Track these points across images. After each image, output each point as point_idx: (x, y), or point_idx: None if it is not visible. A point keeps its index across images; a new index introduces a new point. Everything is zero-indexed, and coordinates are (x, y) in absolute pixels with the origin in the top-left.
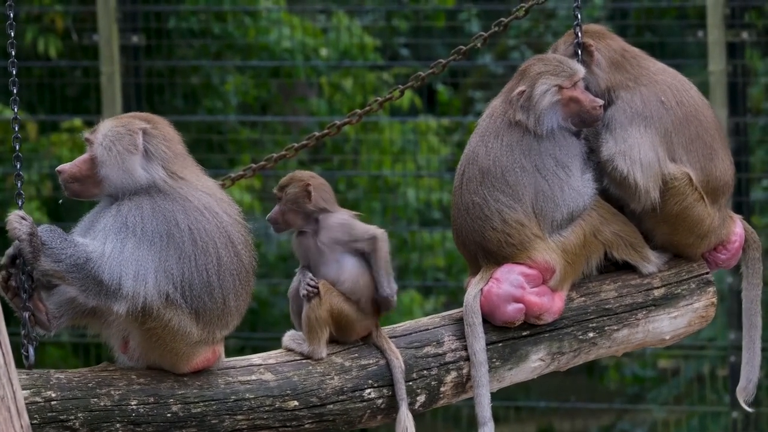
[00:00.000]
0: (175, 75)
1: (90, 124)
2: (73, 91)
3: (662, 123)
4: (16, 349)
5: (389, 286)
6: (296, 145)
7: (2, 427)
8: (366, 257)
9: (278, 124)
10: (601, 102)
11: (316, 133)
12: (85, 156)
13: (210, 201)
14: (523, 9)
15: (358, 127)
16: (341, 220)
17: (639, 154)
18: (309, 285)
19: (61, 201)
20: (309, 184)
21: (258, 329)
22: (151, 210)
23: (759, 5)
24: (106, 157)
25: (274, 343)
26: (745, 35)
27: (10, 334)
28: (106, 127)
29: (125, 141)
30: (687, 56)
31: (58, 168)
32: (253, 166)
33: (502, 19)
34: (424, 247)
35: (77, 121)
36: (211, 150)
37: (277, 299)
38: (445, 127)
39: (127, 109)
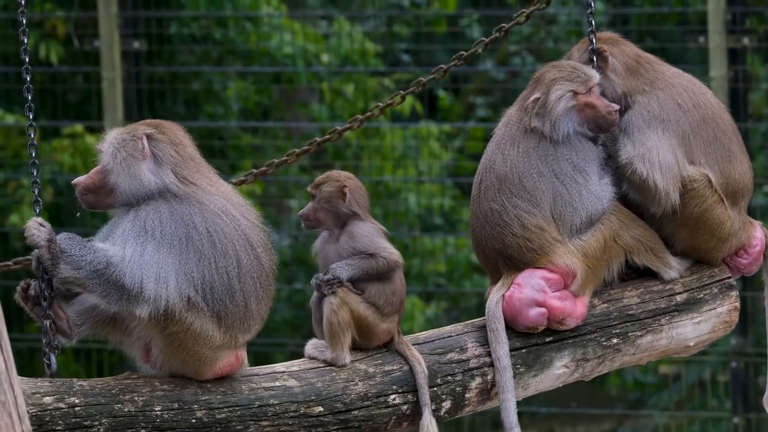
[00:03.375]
0: (177, 81)
1: (91, 130)
2: (75, 97)
3: (680, 126)
4: (16, 354)
5: (340, 267)
6: (297, 150)
7: None
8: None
9: (279, 129)
10: (616, 107)
11: (318, 139)
12: (97, 167)
13: (226, 205)
14: (524, 15)
15: (360, 133)
16: (367, 232)
17: (658, 156)
18: (326, 279)
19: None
20: (345, 186)
21: (259, 335)
22: (169, 213)
23: (760, 11)
24: (112, 165)
25: (276, 349)
26: (746, 41)
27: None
28: (111, 135)
29: (129, 147)
30: (688, 62)
31: (74, 181)
32: (255, 171)
33: (503, 24)
34: (426, 253)
35: (78, 127)
36: (212, 156)
37: (279, 304)
38: (446, 132)
39: (128, 114)
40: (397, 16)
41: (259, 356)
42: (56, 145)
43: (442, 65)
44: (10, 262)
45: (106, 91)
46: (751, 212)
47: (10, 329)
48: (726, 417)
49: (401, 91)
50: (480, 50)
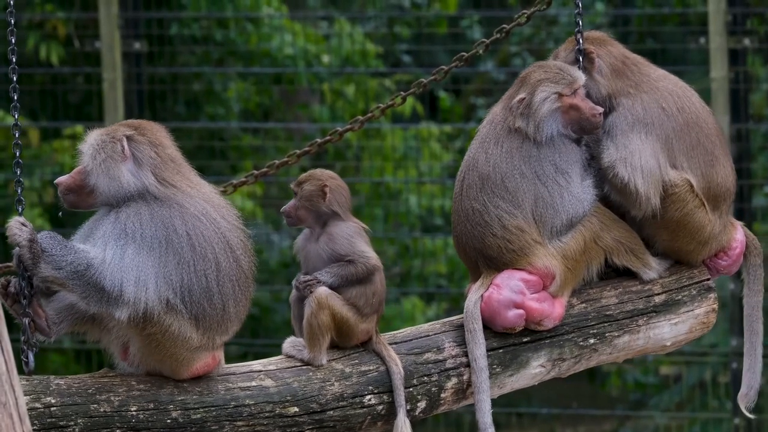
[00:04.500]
0: (177, 81)
1: None
2: (75, 98)
3: (663, 129)
4: (17, 355)
5: (322, 275)
6: (298, 151)
7: None
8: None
9: (280, 130)
10: (600, 109)
11: (318, 140)
12: (78, 167)
13: (207, 207)
14: (525, 16)
15: (360, 134)
16: (346, 234)
17: (640, 160)
18: (304, 281)
19: (60, 213)
20: (326, 185)
21: (260, 335)
22: (150, 216)
23: (761, 12)
24: (92, 166)
25: (276, 350)
26: (747, 42)
27: (11, 341)
28: (92, 136)
29: (108, 148)
30: (689, 63)
31: (56, 181)
32: (255, 172)
33: (504, 25)
34: (426, 254)
35: (79, 128)
36: (213, 156)
37: (279, 305)
38: (446, 133)
39: (129, 115)
40: (397, 17)
41: (259, 357)
42: (57, 146)
43: (443, 66)
44: (11, 264)
45: (107, 92)
46: (752, 213)
47: (10, 330)
48: (727, 418)
49: (402, 92)
50: (481, 51)
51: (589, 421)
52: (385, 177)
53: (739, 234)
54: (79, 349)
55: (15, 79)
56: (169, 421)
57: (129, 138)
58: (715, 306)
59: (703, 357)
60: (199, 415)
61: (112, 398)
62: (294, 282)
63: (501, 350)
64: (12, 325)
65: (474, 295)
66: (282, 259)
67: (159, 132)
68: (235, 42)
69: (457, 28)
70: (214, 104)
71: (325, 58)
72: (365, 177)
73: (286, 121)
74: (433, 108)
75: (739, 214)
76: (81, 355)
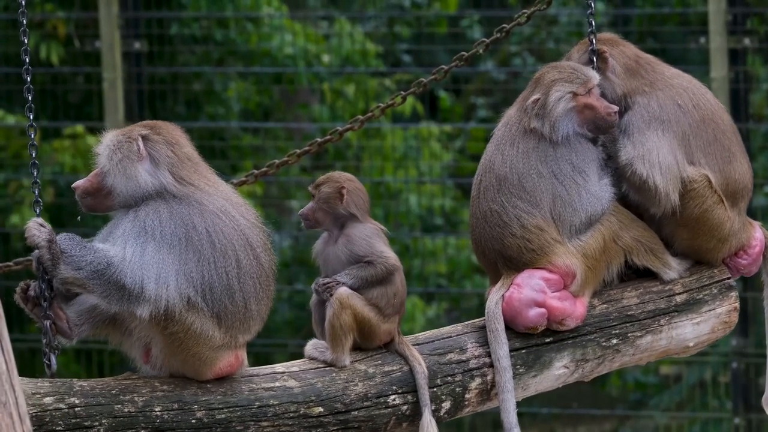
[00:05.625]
0: (178, 81)
1: (92, 131)
2: (76, 98)
3: (680, 126)
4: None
5: (342, 277)
6: (298, 151)
7: None
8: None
9: (280, 130)
10: (615, 108)
11: (318, 140)
12: (95, 170)
13: (225, 205)
14: (525, 15)
15: (360, 134)
16: (365, 235)
17: (658, 157)
18: (324, 283)
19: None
20: (343, 187)
21: (260, 335)
22: (169, 214)
23: (761, 12)
24: (108, 167)
25: (276, 350)
26: (747, 42)
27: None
28: (108, 137)
29: (125, 148)
30: (689, 63)
31: (73, 185)
32: (255, 172)
33: (504, 25)
34: (426, 254)
35: (79, 128)
36: (213, 156)
37: (279, 305)
38: (447, 133)
39: (129, 115)
40: (398, 16)
41: (259, 357)
42: (57, 146)
43: (443, 66)
44: (11, 263)
45: (107, 91)
46: (752, 213)
47: (11, 330)
48: (727, 418)
49: (402, 92)
50: (481, 51)
51: (589, 421)
52: (385, 177)
53: (758, 233)
54: (80, 349)
55: (29, 80)
56: (193, 421)
57: (145, 137)
58: (737, 305)
59: (704, 357)
60: (223, 415)
61: (136, 399)
62: (314, 285)
63: (524, 350)
64: (14, 326)
65: (495, 295)
66: (282, 258)
67: (175, 131)
68: (235, 42)
69: (457, 27)
70: (214, 104)
71: (325, 58)
72: (365, 177)
73: (286, 121)
74: (433, 108)
75: None
76: (81, 354)
